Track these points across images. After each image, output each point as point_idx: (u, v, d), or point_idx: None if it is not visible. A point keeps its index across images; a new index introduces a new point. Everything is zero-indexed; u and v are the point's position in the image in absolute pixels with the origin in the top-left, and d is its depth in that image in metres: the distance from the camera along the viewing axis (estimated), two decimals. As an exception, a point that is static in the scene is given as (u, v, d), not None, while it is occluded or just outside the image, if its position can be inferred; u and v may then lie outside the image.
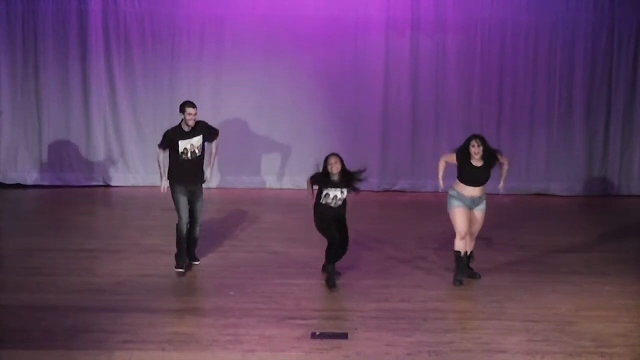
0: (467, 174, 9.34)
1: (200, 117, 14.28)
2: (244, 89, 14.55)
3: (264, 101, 14.64)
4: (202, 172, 9.85)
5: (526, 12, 14.40)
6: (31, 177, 14.66)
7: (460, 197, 9.38)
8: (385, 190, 14.74)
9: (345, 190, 9.27)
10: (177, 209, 9.72)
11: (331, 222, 9.31)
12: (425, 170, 14.65)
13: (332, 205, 9.23)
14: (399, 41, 14.45)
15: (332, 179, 9.22)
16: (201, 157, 9.78)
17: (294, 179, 14.46)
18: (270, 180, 14.79)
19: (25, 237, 11.43)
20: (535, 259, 10.56)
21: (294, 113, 14.64)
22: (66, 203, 13.85)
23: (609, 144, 14.65)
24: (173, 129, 9.80)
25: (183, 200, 9.67)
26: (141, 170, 14.74)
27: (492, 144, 9.87)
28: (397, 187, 14.81)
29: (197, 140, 9.71)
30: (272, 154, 14.73)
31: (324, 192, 9.22)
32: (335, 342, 7.92)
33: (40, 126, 14.60)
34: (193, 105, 9.74)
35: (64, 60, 14.47)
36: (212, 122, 14.36)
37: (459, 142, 14.20)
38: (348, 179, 9.26)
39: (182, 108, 9.72)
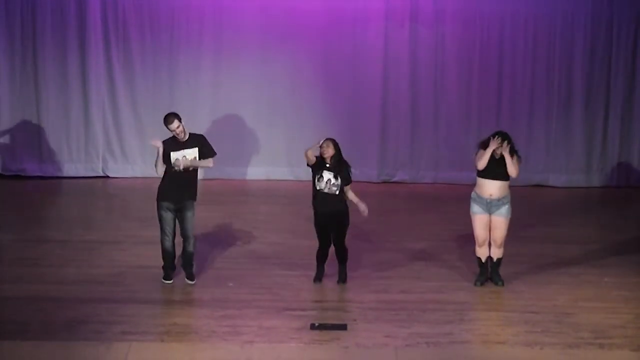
0: (486, 166, 9.02)
1: (198, 108, 14.44)
2: (242, 80, 14.52)
3: (263, 92, 14.61)
4: (192, 189, 9.08)
5: (525, 4, 14.37)
6: (30, 168, 14.64)
7: (479, 200, 9.09)
8: (384, 182, 14.73)
9: (339, 177, 9.07)
10: (160, 224, 9.10)
11: (327, 223, 9.16)
12: (424, 162, 14.65)
13: (327, 191, 9.02)
14: (398, 32, 14.42)
15: (325, 163, 9.14)
16: (193, 172, 9.09)
17: (293, 170, 14.44)
18: (269, 172, 14.76)
19: (24, 229, 11.42)
20: (534, 251, 10.56)
21: (293, 104, 14.62)
22: (65, 194, 13.86)
23: (608, 135, 14.63)
24: (167, 140, 9.04)
25: (166, 216, 9.02)
26: (140, 162, 14.71)
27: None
28: (396, 179, 14.79)
29: (192, 152, 9.00)
30: (271, 145, 14.70)
31: (318, 176, 9.03)
32: (334, 333, 7.93)
33: (39, 118, 14.58)
34: (174, 117, 8.93)
35: (63, 52, 14.44)
36: (211, 113, 14.53)
37: (458, 135, 14.41)
38: (340, 166, 9.14)
39: (164, 120, 8.94)
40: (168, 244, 9.13)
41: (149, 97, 14.61)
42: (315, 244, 9.31)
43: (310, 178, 9.22)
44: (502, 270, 9.38)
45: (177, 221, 9.13)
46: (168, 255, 9.20)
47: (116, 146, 14.74)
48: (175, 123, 8.92)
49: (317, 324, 8.11)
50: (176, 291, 9.13)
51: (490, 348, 7.70)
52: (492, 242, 9.22)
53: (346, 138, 13.91)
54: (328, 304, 8.79)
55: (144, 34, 14.47)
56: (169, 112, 9.23)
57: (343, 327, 8.07)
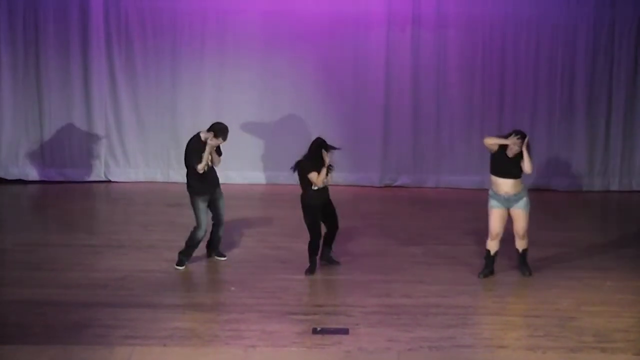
0: (498, 164, 9.44)
1: (201, 112, 14.44)
2: (245, 84, 14.51)
3: (265, 96, 14.60)
4: (217, 178, 9.97)
5: (527, 7, 14.34)
6: (32, 172, 14.64)
7: (497, 197, 9.48)
8: (387, 186, 14.72)
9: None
10: (197, 215, 9.72)
11: (319, 211, 9.72)
12: (426, 166, 14.62)
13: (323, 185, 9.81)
14: (400, 36, 14.40)
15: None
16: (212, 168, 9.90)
17: (295, 175, 14.40)
18: (271, 176, 14.75)
19: (27, 233, 11.43)
20: (536, 254, 10.52)
21: (295, 108, 14.60)
22: (67, 199, 13.84)
23: (610, 139, 14.60)
24: (196, 143, 9.73)
25: (203, 206, 9.72)
26: (142, 166, 14.72)
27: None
28: (398, 183, 14.78)
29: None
30: (273, 149, 14.69)
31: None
32: (337, 337, 7.93)
33: (41, 122, 14.57)
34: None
35: (65, 56, 14.43)
36: (214, 117, 14.44)
37: (460, 139, 14.40)
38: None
39: (223, 133, 9.69)
40: (201, 235, 9.79)
41: (151, 101, 14.61)
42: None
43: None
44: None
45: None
46: (194, 248, 9.82)
47: (118, 150, 14.72)
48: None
49: (319, 328, 8.10)
50: (179, 295, 9.14)
51: (493, 352, 7.69)
52: (515, 234, 9.61)
53: (348, 142, 13.93)
54: (330, 308, 8.78)
55: (146, 37, 14.45)
56: (225, 125, 9.82)
57: (345, 331, 8.07)
